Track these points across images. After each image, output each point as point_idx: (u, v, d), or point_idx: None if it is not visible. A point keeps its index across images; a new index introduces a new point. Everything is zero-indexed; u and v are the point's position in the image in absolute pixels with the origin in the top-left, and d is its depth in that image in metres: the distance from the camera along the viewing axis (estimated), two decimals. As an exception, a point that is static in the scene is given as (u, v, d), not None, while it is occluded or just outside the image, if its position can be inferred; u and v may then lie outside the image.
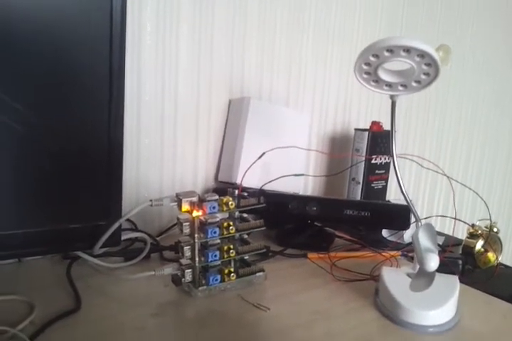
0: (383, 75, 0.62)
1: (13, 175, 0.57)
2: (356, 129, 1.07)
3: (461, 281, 0.64)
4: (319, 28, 1.07)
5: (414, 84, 0.62)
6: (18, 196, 0.58)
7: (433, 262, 0.59)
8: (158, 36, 0.86)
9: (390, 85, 0.64)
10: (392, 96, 0.65)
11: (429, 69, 0.59)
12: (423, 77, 0.61)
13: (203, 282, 0.63)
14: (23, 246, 0.59)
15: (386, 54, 0.58)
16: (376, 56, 0.59)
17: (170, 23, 0.86)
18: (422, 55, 0.57)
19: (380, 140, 1.03)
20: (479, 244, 0.86)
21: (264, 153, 0.73)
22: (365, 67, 0.62)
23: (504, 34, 1.53)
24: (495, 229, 0.89)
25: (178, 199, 0.62)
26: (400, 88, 0.64)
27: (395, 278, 0.63)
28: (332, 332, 0.56)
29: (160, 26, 0.85)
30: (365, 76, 0.63)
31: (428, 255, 0.59)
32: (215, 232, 0.62)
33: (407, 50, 0.57)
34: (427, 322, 0.58)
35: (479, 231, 0.87)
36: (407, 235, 0.88)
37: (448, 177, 0.73)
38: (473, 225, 0.89)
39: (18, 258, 0.71)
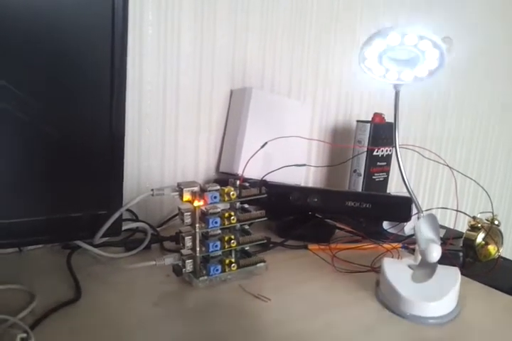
0: (388, 64, 0.61)
1: (14, 163, 0.57)
2: (358, 121, 1.06)
3: (462, 274, 0.63)
4: (322, 18, 1.06)
5: (419, 73, 0.62)
6: (19, 185, 0.58)
7: (435, 252, 0.59)
8: (160, 26, 0.85)
9: (394, 74, 0.63)
10: (396, 86, 0.65)
11: (434, 58, 0.59)
12: (428, 66, 0.60)
13: (204, 272, 0.63)
14: (24, 235, 0.59)
15: (391, 42, 0.58)
16: (381, 44, 0.59)
17: (172, 12, 0.85)
18: (428, 43, 0.57)
19: (382, 132, 1.03)
20: (480, 237, 0.85)
21: (266, 143, 0.73)
22: (369, 55, 0.61)
23: (506, 27, 1.52)
24: (496, 222, 0.89)
25: (180, 189, 0.62)
26: (405, 77, 0.63)
27: (396, 269, 0.63)
28: (333, 323, 0.56)
29: (161, 16, 0.85)
30: (369, 64, 0.63)
31: (430, 245, 0.59)
32: (216, 222, 0.62)
33: (413, 38, 0.56)
34: (428, 314, 0.57)
35: (480, 224, 0.87)
36: (408, 227, 0.88)
37: (450, 167, 0.73)
38: (474, 217, 0.89)
39: (19, 248, 0.71)
